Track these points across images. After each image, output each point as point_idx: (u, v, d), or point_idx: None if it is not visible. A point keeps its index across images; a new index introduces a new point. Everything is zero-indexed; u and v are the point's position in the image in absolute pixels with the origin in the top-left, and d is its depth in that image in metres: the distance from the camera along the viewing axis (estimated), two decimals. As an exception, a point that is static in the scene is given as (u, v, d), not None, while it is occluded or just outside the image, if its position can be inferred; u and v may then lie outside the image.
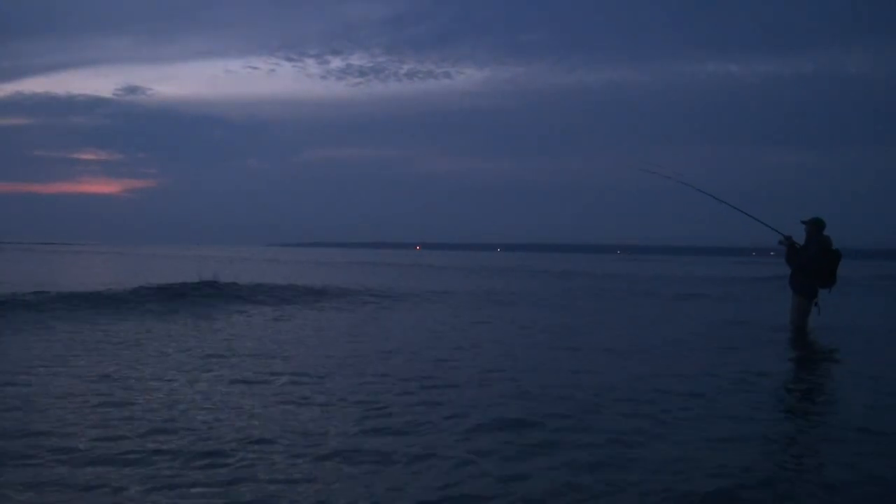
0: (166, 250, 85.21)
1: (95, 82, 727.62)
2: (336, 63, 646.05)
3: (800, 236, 11.30)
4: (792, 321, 11.29)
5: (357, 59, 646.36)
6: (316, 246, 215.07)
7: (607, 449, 4.63)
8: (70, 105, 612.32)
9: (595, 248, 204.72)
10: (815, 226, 11.01)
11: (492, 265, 53.30)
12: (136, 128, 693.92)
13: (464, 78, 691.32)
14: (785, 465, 4.54)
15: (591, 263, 63.75)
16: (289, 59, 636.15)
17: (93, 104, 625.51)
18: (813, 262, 10.90)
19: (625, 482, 4.02)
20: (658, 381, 6.98)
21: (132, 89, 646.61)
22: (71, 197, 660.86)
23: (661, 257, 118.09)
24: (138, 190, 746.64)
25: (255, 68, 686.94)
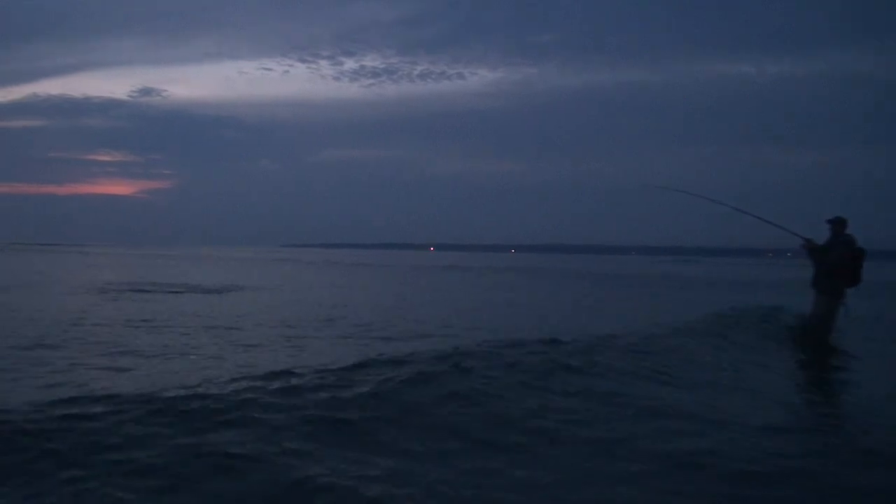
0: (216, 252, 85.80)
1: (110, 84, 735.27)
2: (349, 64, 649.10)
3: (819, 236, 11.07)
4: (812, 319, 11.18)
5: (370, 61, 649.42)
6: (329, 247, 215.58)
7: None
8: (85, 107, 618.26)
9: (609, 249, 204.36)
10: (839, 224, 10.85)
11: (599, 271, 49.26)
12: (150, 129, 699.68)
13: (476, 79, 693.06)
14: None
15: (660, 265, 63.24)
16: (302, 61, 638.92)
17: (107, 106, 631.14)
18: (841, 262, 10.71)
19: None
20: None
21: (146, 91, 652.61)
22: (87, 198, 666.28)
23: (676, 258, 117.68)
24: (153, 191, 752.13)
25: (269, 70, 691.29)
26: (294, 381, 5.96)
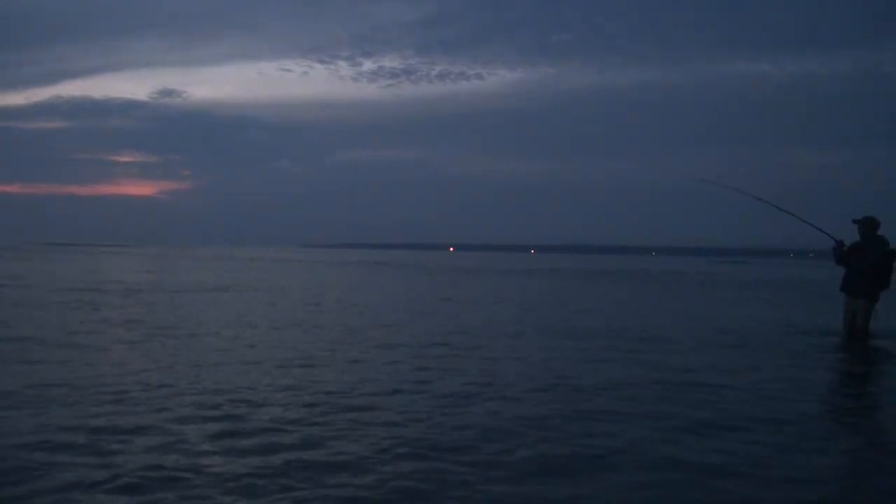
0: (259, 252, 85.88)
1: (131, 85, 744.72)
2: (368, 65, 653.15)
3: (846, 237, 10.75)
4: (845, 326, 10.76)
5: (389, 61, 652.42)
6: (350, 247, 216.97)
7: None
8: (107, 108, 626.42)
9: (629, 249, 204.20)
10: (869, 225, 10.45)
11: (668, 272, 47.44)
12: (170, 130, 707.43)
13: (495, 79, 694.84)
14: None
15: (697, 265, 61.10)
16: (321, 62, 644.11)
17: (128, 107, 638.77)
18: (878, 263, 10.28)
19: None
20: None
21: (167, 92, 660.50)
22: (108, 199, 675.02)
23: (698, 258, 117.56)
24: (173, 191, 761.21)
25: (289, 70, 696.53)
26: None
